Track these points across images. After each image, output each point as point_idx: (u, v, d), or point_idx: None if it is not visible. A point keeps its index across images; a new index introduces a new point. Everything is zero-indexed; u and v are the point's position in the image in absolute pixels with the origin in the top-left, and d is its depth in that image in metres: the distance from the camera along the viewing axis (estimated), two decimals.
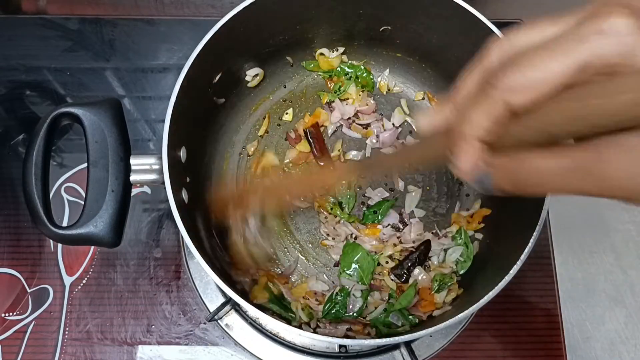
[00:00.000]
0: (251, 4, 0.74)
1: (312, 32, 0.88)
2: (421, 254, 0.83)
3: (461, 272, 0.82)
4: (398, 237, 0.85)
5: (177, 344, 0.87)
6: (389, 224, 0.86)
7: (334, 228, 0.85)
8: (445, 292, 0.79)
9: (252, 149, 0.90)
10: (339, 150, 0.90)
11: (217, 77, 0.82)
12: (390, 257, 0.83)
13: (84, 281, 0.90)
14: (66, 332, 0.87)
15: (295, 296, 0.81)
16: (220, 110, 0.88)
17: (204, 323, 0.88)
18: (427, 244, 0.83)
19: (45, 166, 0.64)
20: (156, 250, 0.91)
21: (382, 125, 0.91)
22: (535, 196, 0.40)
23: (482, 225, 0.84)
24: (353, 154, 0.90)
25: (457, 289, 0.80)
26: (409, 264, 0.82)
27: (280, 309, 0.78)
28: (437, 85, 0.92)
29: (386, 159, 0.64)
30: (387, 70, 0.94)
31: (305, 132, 0.89)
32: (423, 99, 0.93)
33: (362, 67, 0.93)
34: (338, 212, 0.85)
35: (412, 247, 0.84)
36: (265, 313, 0.64)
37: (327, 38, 0.90)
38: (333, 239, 0.85)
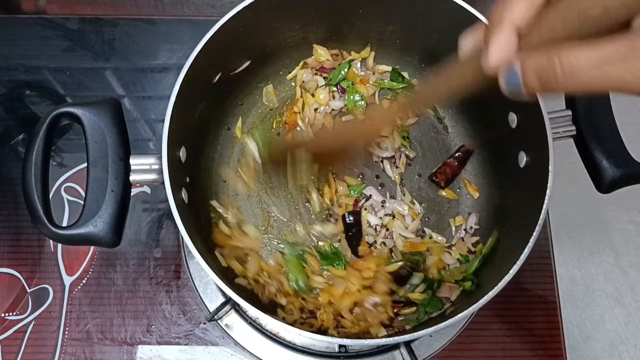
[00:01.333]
0: (251, 3, 0.74)
1: (312, 33, 0.88)
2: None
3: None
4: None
5: (177, 344, 0.87)
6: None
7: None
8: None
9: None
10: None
11: (217, 77, 0.82)
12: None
13: (84, 281, 0.89)
14: (66, 332, 0.87)
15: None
16: (220, 109, 0.88)
17: (204, 323, 0.88)
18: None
19: (44, 166, 0.64)
20: (156, 250, 0.91)
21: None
22: (563, 92, 0.40)
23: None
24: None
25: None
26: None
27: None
28: None
29: (425, 90, 0.61)
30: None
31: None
32: None
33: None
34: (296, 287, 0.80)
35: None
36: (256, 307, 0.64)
37: (327, 38, 0.90)
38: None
